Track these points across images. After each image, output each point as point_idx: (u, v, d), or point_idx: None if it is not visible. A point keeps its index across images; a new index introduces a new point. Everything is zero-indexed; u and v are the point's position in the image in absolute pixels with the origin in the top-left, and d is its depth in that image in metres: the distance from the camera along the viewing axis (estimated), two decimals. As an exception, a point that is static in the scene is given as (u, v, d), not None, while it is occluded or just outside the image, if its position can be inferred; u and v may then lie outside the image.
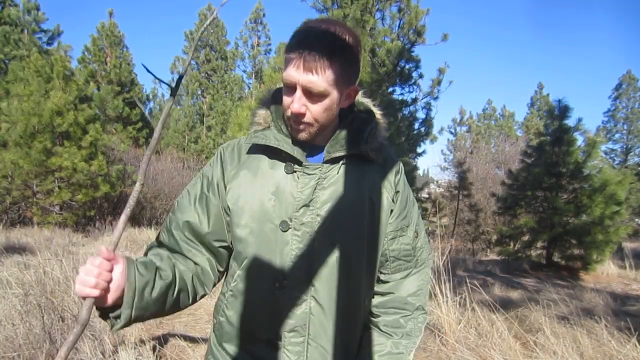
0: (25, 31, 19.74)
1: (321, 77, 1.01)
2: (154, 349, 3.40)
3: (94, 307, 0.95)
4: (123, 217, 1.00)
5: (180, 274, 1.10)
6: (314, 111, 1.06)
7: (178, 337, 3.93)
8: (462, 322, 4.10)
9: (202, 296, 1.18)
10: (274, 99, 1.20)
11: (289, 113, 1.07)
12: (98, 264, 0.91)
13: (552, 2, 76.65)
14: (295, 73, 1.01)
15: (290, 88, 1.05)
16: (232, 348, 1.16)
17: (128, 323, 0.97)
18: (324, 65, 1.00)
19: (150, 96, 29.17)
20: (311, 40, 1.01)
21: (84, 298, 0.90)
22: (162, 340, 3.82)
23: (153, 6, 67.07)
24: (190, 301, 1.14)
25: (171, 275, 1.07)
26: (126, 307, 0.95)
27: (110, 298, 0.93)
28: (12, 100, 12.24)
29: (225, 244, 1.18)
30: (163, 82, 1.14)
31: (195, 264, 1.16)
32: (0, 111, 12.73)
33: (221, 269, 1.21)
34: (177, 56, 29.13)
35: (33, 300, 3.68)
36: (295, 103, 1.04)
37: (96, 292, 0.90)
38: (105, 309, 0.97)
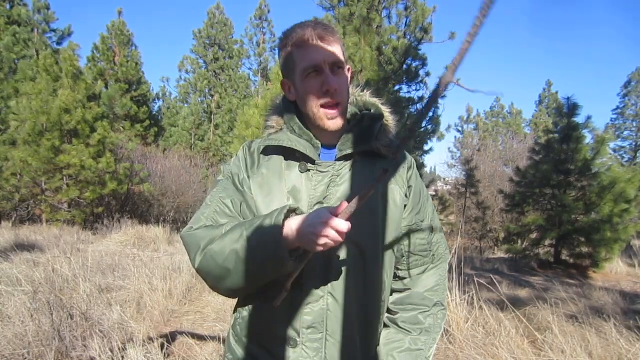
0: (36, 31, 19.85)
1: (337, 48, 1.10)
2: (162, 346, 3.42)
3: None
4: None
5: None
6: (341, 86, 1.11)
7: (186, 334, 3.95)
8: (469, 321, 4.08)
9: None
10: (284, 106, 1.25)
11: (321, 99, 1.11)
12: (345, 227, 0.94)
13: (561, -1, 75.97)
14: (316, 54, 1.08)
15: (314, 72, 1.09)
16: (251, 345, 1.17)
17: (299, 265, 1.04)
18: (334, 37, 1.09)
19: (160, 94, 29.27)
20: (309, 26, 1.09)
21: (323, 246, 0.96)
22: (170, 338, 3.84)
23: (162, 5, 67.23)
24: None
25: None
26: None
27: None
28: (21, 99, 12.33)
29: None
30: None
31: None
32: (9, 110, 12.83)
33: None
34: (185, 55, 29.18)
35: (42, 297, 3.72)
36: (331, 80, 1.08)
37: (326, 248, 0.97)
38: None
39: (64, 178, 12.18)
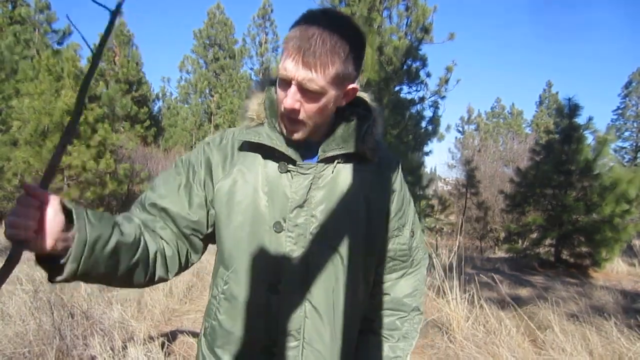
0: (37, 31, 19.88)
1: (319, 75, 0.95)
2: (162, 345, 3.42)
3: (35, 256, 0.85)
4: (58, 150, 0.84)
5: (144, 244, 1.02)
6: (308, 110, 1.01)
7: (186, 333, 3.95)
8: (470, 320, 4.09)
9: (161, 280, 1.10)
10: (268, 92, 1.14)
11: (282, 108, 1.01)
12: (22, 201, 0.79)
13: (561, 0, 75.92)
14: (292, 67, 0.95)
15: (286, 82, 0.99)
16: (223, 353, 1.11)
17: (71, 278, 0.87)
18: (324, 63, 0.94)
19: (160, 95, 29.32)
20: (313, 35, 0.94)
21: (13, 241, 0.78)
22: (171, 336, 3.84)
23: (162, 5, 67.31)
24: (146, 279, 1.05)
25: (134, 237, 0.98)
26: (73, 260, 0.83)
27: (48, 243, 0.81)
28: (23, 99, 12.33)
29: (201, 235, 1.12)
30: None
31: (166, 243, 1.08)
32: (11, 110, 12.83)
33: (192, 260, 1.15)
34: (186, 55, 29.22)
35: (43, 296, 3.71)
36: (289, 99, 0.98)
37: (22, 234, 0.78)
38: (47, 258, 0.86)
39: (65, 179, 12.19)
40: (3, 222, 11.97)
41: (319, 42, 0.93)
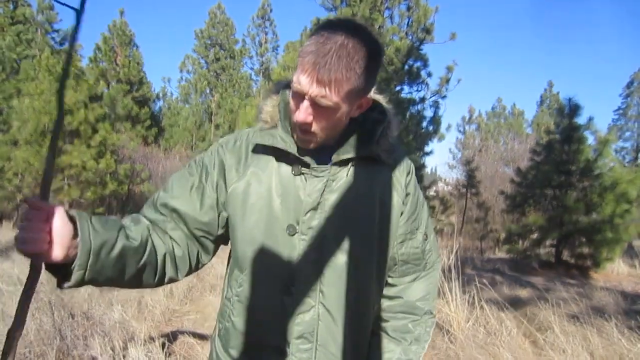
0: (39, 31, 19.89)
1: (333, 93, 0.94)
2: (163, 345, 3.42)
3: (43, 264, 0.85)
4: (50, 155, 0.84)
5: (152, 246, 1.02)
6: (320, 123, 1.01)
7: (187, 334, 3.95)
8: (470, 320, 4.09)
9: (171, 280, 1.10)
10: (282, 95, 1.13)
11: (294, 119, 1.01)
12: (29, 216, 0.80)
13: (562, -1, 75.82)
14: (306, 83, 0.94)
15: (300, 95, 0.98)
16: (238, 355, 1.12)
17: (79, 285, 0.88)
18: (338, 80, 0.93)
19: (160, 95, 29.32)
20: (329, 51, 0.92)
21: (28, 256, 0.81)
22: (171, 337, 3.85)
23: (163, 4, 67.29)
24: (156, 281, 1.05)
25: (140, 241, 0.98)
26: (79, 268, 0.84)
27: (61, 253, 0.82)
28: (23, 99, 12.36)
29: (212, 237, 1.13)
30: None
31: (177, 244, 1.09)
32: (11, 109, 12.86)
33: (203, 261, 1.16)
34: (187, 54, 29.23)
35: (43, 297, 3.72)
36: (302, 113, 0.98)
37: (36, 248, 0.79)
38: (56, 266, 0.86)
39: (65, 178, 12.20)
40: (3, 222, 11.99)
41: (335, 59, 0.92)
